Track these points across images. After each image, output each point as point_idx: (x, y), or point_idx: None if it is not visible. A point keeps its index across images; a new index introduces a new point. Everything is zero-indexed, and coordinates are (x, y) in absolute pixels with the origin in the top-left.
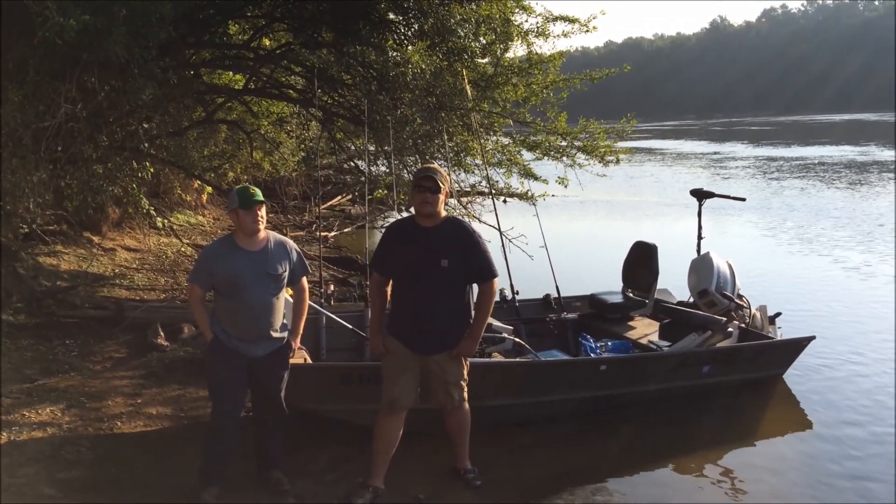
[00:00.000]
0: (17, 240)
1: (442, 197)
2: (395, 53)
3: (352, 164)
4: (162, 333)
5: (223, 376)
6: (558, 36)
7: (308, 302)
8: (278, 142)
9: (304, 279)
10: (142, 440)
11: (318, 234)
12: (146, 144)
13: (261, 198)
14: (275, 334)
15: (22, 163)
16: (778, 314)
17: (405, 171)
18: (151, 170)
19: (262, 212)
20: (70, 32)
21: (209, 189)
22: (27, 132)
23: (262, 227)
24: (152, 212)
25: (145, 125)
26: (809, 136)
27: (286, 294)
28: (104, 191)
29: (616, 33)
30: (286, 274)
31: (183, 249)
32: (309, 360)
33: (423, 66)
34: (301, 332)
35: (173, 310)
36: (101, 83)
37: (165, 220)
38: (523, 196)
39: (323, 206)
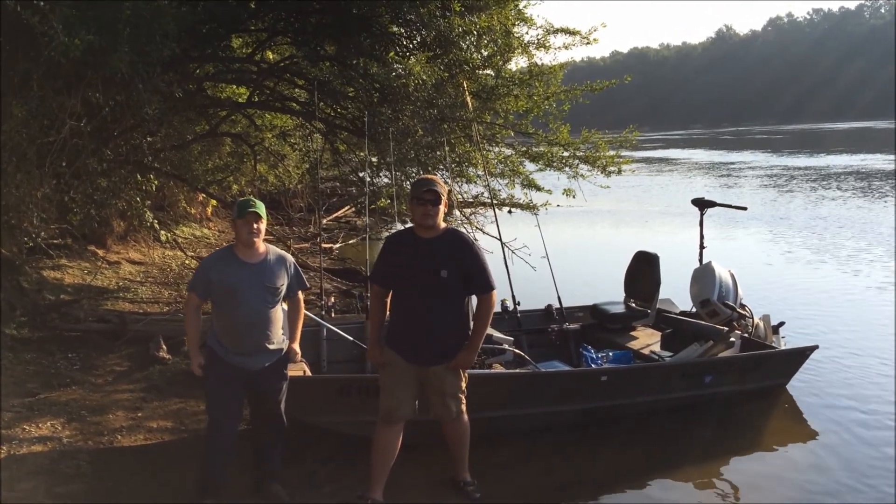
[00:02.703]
0: (22, 254)
1: (442, 208)
2: (397, 66)
3: (356, 175)
4: (164, 346)
5: (220, 390)
6: (559, 48)
7: (303, 310)
8: (282, 154)
9: (300, 293)
10: (142, 454)
11: (320, 245)
12: (150, 158)
13: (257, 209)
14: (272, 346)
15: (27, 177)
16: (781, 324)
17: (407, 183)
18: (156, 183)
19: (261, 225)
20: (75, 52)
21: (214, 202)
22: (32, 147)
23: (258, 239)
24: (156, 225)
25: (149, 139)
26: (818, 145)
27: (283, 306)
28: (108, 204)
29: (622, 43)
30: (283, 287)
31: (187, 262)
32: (308, 373)
33: (425, 78)
34: (299, 336)
35: (176, 322)
36: (105, 98)
37: (170, 233)
38: (525, 206)
39: (328, 218)
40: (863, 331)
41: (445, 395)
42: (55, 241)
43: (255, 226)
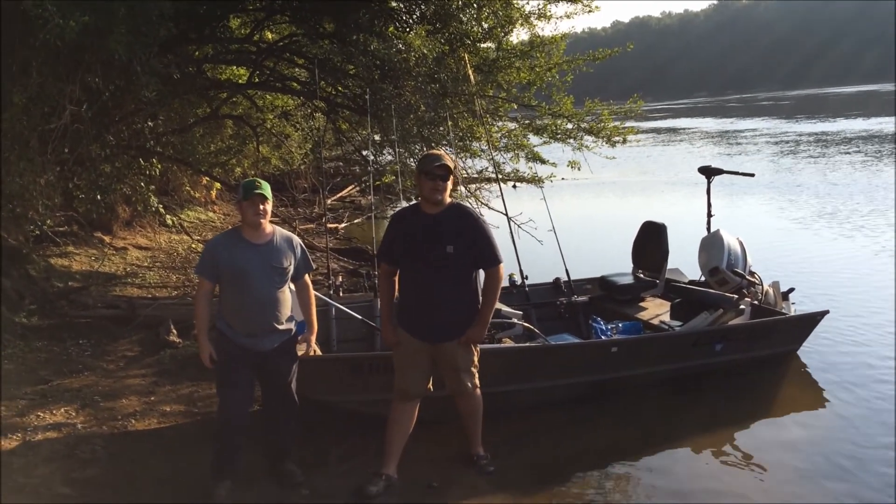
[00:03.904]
0: (28, 242)
1: (450, 184)
2: (397, 41)
3: (359, 154)
4: (174, 330)
5: (230, 373)
6: (561, 17)
7: (314, 296)
8: (285, 135)
9: (307, 276)
10: (156, 437)
11: (326, 225)
12: (152, 142)
13: (263, 190)
14: (281, 327)
15: (29, 165)
16: (791, 290)
17: (411, 160)
18: (159, 167)
19: (267, 206)
20: (71, 34)
21: (218, 185)
22: (33, 135)
23: (264, 220)
24: (161, 209)
25: (151, 123)
26: (826, 110)
27: (291, 286)
28: (113, 190)
29: (623, 13)
30: (291, 268)
31: (193, 246)
32: (319, 353)
33: (426, 52)
34: (316, 327)
35: (185, 306)
36: (104, 83)
37: (175, 218)
38: (531, 180)
39: (333, 198)
40: (874, 296)
41: (459, 370)
42: (61, 229)
43: (262, 207)
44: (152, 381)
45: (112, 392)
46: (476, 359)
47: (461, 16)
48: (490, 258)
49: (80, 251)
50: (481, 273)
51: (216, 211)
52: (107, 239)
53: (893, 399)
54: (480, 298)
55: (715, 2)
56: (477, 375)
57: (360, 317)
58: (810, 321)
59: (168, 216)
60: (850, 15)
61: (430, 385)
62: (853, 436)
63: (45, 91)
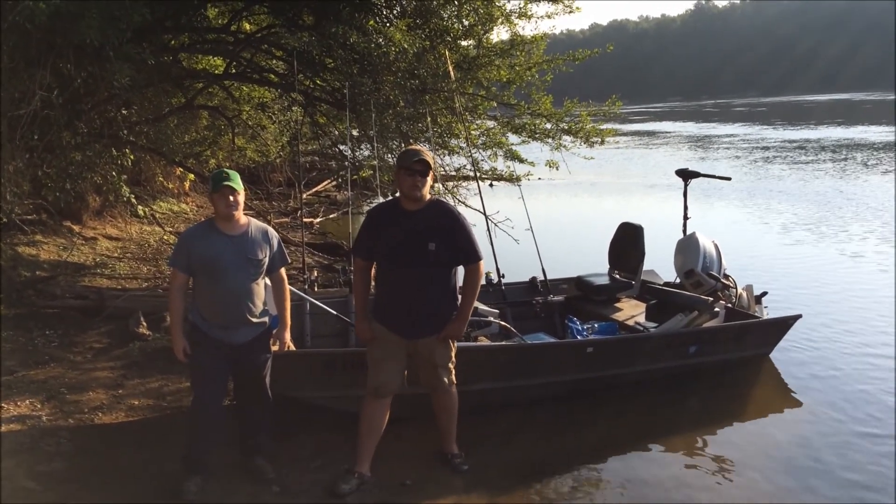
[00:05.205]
0: None
1: (429, 180)
2: (377, 36)
3: (336, 149)
4: (144, 322)
5: (204, 366)
6: (542, 17)
7: (288, 290)
8: (262, 126)
9: (283, 270)
10: (123, 431)
11: (301, 219)
12: (125, 131)
13: (232, 181)
14: (255, 319)
15: None
16: (764, 293)
17: (389, 156)
18: (132, 157)
19: (238, 197)
20: (41, 17)
21: (191, 176)
22: (2, 120)
23: (236, 211)
24: (133, 200)
25: (124, 111)
26: (798, 117)
27: (266, 280)
28: (83, 179)
29: (601, 16)
30: (266, 260)
31: (165, 238)
32: (293, 348)
33: (406, 46)
34: (289, 322)
35: (155, 298)
36: (76, 69)
37: (147, 209)
38: (508, 178)
39: (308, 193)
40: (846, 300)
41: (437, 366)
42: (29, 217)
43: (231, 198)
44: (120, 374)
45: (79, 384)
46: (454, 355)
47: (442, 12)
48: (471, 255)
49: (48, 240)
50: (459, 269)
51: (189, 202)
52: (76, 228)
53: (864, 403)
54: (459, 295)
55: (692, 7)
56: (454, 372)
57: (334, 312)
58: (783, 325)
59: (140, 207)
60: (829, 22)
61: (405, 381)
62: (823, 439)
63: (15, 76)
